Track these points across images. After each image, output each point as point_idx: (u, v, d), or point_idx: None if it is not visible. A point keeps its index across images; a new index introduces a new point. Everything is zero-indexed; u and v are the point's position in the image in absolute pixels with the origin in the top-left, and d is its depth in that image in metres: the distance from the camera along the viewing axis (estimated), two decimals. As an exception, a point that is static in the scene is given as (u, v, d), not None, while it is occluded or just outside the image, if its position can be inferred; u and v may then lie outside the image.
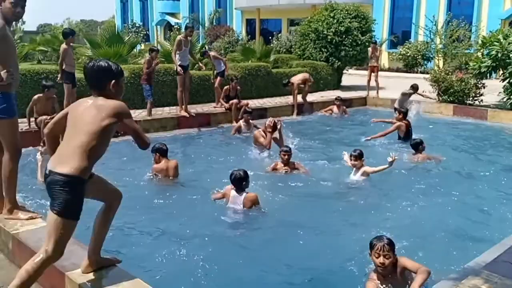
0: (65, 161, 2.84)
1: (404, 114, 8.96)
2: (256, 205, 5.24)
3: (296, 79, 12.44)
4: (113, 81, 3.04)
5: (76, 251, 3.49)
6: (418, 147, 7.52)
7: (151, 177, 6.24)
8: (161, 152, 6.27)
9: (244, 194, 5.26)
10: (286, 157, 6.64)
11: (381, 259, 3.36)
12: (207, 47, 24.45)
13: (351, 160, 6.50)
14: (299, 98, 12.52)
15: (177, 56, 9.94)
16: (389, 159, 6.12)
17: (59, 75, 8.94)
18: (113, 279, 3.14)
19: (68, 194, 2.81)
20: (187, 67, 10.23)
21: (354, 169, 6.47)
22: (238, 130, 9.47)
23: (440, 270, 3.77)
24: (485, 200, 5.73)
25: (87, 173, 2.92)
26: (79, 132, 2.89)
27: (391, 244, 3.42)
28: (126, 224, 4.69)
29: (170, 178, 6.23)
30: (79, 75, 10.90)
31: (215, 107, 11.50)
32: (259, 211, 5.22)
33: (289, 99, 13.26)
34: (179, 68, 9.90)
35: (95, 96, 3.05)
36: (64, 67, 8.80)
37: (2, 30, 3.76)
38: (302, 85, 12.32)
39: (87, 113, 2.96)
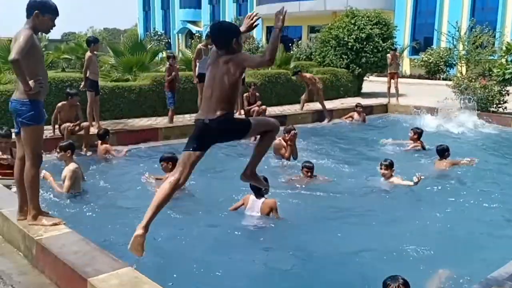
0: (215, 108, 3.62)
1: (419, 134, 8.83)
2: (274, 211, 5.21)
3: (307, 74, 12.75)
4: (234, 39, 3.60)
5: (98, 258, 3.56)
6: (444, 153, 7.44)
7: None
8: (174, 161, 6.10)
9: (263, 199, 5.25)
10: (309, 173, 6.58)
11: None
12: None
13: (381, 169, 6.46)
14: (318, 104, 12.49)
15: (198, 64, 10.05)
16: (415, 179, 6.05)
17: (83, 83, 9.13)
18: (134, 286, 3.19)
19: (229, 123, 3.70)
20: None
21: (383, 178, 6.41)
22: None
23: (463, 281, 3.70)
24: (507, 209, 5.61)
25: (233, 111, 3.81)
26: (217, 87, 3.60)
27: (406, 284, 3.10)
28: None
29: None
30: (102, 83, 11.23)
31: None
32: (276, 218, 5.20)
33: (308, 106, 13.25)
34: (196, 79, 10.03)
35: (221, 55, 3.64)
36: (88, 74, 8.98)
37: (31, 39, 3.88)
38: (310, 83, 12.35)
39: (221, 70, 3.61)
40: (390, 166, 6.36)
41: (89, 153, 8.21)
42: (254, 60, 3.85)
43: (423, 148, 8.73)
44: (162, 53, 19.52)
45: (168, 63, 10.40)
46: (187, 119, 11.05)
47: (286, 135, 7.66)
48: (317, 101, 12.63)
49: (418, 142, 8.75)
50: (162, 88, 10.65)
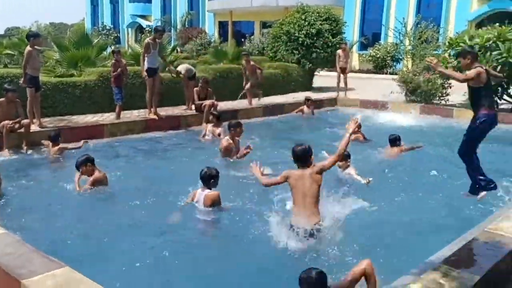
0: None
1: (359, 126, 9.07)
2: (216, 204, 5.17)
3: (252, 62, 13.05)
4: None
5: (34, 259, 3.41)
6: (395, 142, 7.76)
7: (88, 190, 5.81)
8: (92, 162, 5.95)
9: (206, 191, 5.21)
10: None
11: None
12: (178, 49, 24.32)
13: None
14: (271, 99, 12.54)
15: (146, 59, 9.83)
16: (365, 181, 6.11)
17: (22, 79, 8.71)
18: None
19: None
20: (156, 70, 10.12)
21: (340, 169, 6.48)
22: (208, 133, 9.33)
23: (402, 265, 3.82)
24: (447, 196, 5.82)
25: None
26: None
27: (320, 277, 3.00)
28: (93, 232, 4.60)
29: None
30: (46, 78, 10.78)
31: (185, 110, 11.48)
32: (218, 211, 5.16)
33: (260, 101, 13.30)
34: (144, 74, 9.86)
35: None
36: (27, 70, 8.56)
37: None
38: (250, 71, 12.55)
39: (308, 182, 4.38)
40: (346, 157, 6.41)
41: (29, 152, 7.87)
42: (331, 162, 4.54)
43: (364, 138, 8.99)
44: (111, 48, 19.02)
45: (114, 58, 10.12)
46: (135, 114, 10.82)
47: (232, 129, 7.54)
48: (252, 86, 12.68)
49: (359, 133, 8.98)
50: (109, 83, 10.35)
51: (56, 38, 19.35)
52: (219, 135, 8.79)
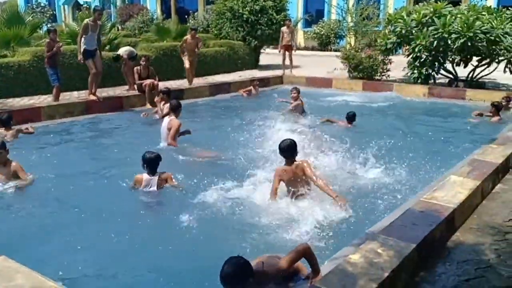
0: None
1: (298, 91, 9.60)
2: (169, 180, 5.30)
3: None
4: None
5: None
6: (353, 118, 8.39)
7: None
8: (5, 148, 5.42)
9: (157, 175, 5.24)
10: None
11: None
12: (119, 27, 23.43)
13: None
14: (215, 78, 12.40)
15: (83, 40, 9.33)
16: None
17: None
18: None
19: None
20: (94, 52, 9.63)
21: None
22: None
23: (344, 237, 3.95)
24: (387, 164, 5.97)
25: None
26: None
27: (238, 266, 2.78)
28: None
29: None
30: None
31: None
32: (174, 189, 5.24)
33: (207, 80, 13.13)
34: (80, 56, 9.40)
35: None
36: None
37: None
38: (190, 49, 12.28)
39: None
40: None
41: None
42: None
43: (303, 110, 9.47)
44: (46, 26, 17.99)
45: (49, 37, 9.59)
46: (75, 96, 10.39)
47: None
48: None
49: (301, 100, 9.48)
50: (44, 64, 9.83)
51: (-15, 16, 18.11)
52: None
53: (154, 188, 5.18)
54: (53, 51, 9.34)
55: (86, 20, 9.71)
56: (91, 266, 3.69)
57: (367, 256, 3.25)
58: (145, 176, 5.22)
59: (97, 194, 5.26)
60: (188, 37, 12.50)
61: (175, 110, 7.03)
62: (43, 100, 9.74)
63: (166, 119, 7.09)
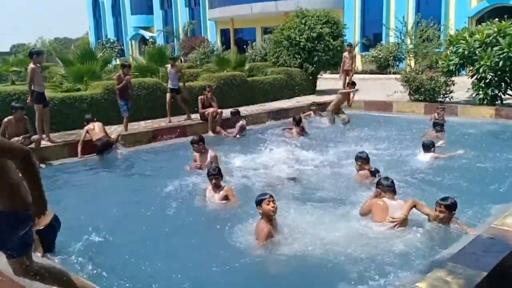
0: None
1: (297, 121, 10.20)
2: (230, 196, 5.84)
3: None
4: None
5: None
6: (430, 148, 7.73)
7: None
8: None
9: (222, 187, 5.92)
10: (214, 181, 5.98)
11: None
12: (182, 59, 24.53)
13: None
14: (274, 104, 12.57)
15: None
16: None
17: (29, 96, 8.88)
18: None
19: None
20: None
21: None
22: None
23: (407, 264, 3.88)
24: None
25: None
26: None
27: None
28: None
29: None
30: (52, 94, 10.97)
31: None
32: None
33: (265, 107, 13.38)
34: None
35: None
36: (33, 87, 8.73)
37: None
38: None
39: None
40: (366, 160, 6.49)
41: (43, 166, 8.04)
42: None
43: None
44: (116, 60, 19.24)
45: (121, 70, 10.25)
46: (142, 125, 10.97)
47: None
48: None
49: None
50: (115, 96, 10.50)
51: (61, 53, 19.68)
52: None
53: (218, 199, 5.83)
54: (122, 84, 9.97)
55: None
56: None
57: (435, 284, 3.18)
58: (209, 188, 5.90)
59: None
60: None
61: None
62: (113, 130, 10.33)
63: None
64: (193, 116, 11.84)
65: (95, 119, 9.08)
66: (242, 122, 10.60)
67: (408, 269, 3.83)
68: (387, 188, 5.05)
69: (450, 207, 4.60)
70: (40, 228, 4.04)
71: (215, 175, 5.86)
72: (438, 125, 9.43)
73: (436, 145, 7.90)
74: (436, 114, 10.77)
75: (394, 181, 5.17)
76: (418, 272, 3.63)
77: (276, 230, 4.56)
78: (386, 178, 5.13)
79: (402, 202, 5.01)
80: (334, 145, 8.97)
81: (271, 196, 4.57)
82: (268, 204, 4.48)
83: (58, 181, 7.47)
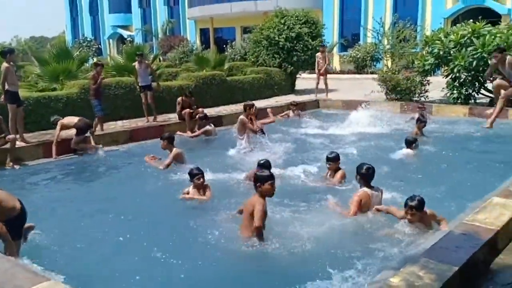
0: None
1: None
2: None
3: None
4: None
5: (18, 274, 3.43)
6: (412, 143, 7.89)
7: None
8: None
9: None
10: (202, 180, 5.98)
11: None
12: (161, 58, 24.32)
13: (327, 163, 6.43)
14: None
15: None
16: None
17: (2, 96, 8.69)
18: None
19: None
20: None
21: (329, 171, 6.47)
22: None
23: (382, 260, 3.94)
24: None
25: None
26: None
27: None
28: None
29: None
30: (27, 93, 10.77)
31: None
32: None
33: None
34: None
35: None
36: (7, 87, 8.54)
37: None
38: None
39: None
40: (334, 159, 6.34)
41: (17, 167, 7.88)
42: None
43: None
44: (93, 59, 18.95)
45: (95, 70, 10.11)
46: (120, 125, 10.85)
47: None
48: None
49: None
50: (89, 95, 10.33)
51: (37, 52, 19.31)
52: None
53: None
54: (97, 84, 9.82)
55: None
56: None
57: (408, 279, 3.24)
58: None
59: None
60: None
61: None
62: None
63: None
64: (171, 116, 11.79)
65: (61, 118, 8.91)
66: (208, 127, 10.30)
67: (382, 265, 3.89)
68: (369, 178, 5.11)
69: (419, 207, 4.54)
70: None
71: (199, 174, 5.84)
72: (422, 122, 9.54)
73: (417, 142, 8.04)
74: (419, 114, 10.70)
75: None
76: (391, 268, 3.68)
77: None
78: (368, 169, 5.12)
79: (379, 192, 5.15)
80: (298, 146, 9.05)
81: (273, 177, 4.53)
82: (271, 186, 4.45)
83: (32, 182, 7.33)
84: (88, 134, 8.95)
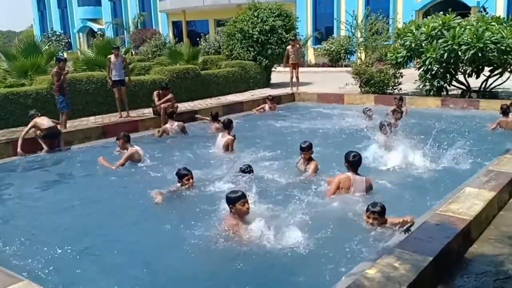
0: None
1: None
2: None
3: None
4: None
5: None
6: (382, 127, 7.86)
7: None
8: None
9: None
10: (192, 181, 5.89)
11: None
12: (133, 52, 23.94)
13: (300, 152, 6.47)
14: (229, 97, 12.52)
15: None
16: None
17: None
18: None
19: None
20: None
21: (302, 160, 6.46)
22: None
23: (361, 252, 3.97)
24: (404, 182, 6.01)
25: None
26: None
27: None
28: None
29: None
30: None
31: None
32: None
33: (219, 100, 13.29)
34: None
35: None
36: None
37: None
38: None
39: None
40: (308, 148, 6.35)
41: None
42: None
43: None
44: (63, 54, 18.48)
45: (57, 65, 9.58)
46: (92, 121, 10.62)
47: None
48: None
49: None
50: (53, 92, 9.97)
51: (4, 47, 18.71)
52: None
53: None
54: (60, 80, 9.51)
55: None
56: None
57: (384, 270, 3.27)
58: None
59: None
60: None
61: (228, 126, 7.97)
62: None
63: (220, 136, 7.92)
64: (145, 111, 11.61)
65: (39, 114, 8.65)
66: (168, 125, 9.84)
67: (358, 257, 3.92)
68: (354, 164, 5.33)
69: (381, 213, 4.50)
70: None
71: (188, 175, 5.73)
72: (398, 113, 9.63)
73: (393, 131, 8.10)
74: (395, 105, 10.79)
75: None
76: (368, 260, 3.72)
77: (246, 226, 4.39)
78: (354, 156, 5.33)
79: (363, 178, 5.35)
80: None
81: (244, 196, 4.43)
82: (243, 206, 4.37)
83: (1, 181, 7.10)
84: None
